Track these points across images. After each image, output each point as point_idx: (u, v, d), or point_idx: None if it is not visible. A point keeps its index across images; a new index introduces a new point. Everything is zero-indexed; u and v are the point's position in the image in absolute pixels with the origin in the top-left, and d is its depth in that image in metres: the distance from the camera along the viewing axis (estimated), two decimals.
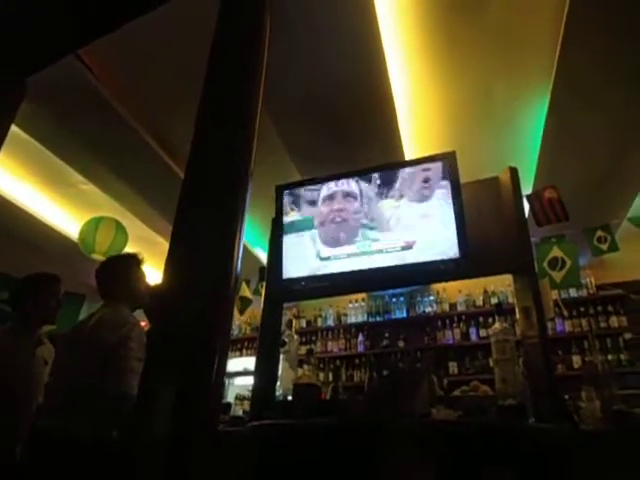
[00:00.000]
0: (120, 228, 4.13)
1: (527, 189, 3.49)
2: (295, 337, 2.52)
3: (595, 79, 2.91)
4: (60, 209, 4.71)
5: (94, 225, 4.03)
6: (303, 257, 2.17)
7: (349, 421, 1.53)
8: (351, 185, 2.19)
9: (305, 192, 2.27)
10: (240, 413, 2.84)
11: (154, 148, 3.60)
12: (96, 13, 1.58)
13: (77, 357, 1.81)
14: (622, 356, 4.61)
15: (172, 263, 0.95)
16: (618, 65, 2.83)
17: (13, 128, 3.28)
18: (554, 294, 4.38)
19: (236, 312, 4.92)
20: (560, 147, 3.53)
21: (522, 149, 3.73)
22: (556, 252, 3.17)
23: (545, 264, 3.12)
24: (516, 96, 3.28)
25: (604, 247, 3.75)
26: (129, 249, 3.60)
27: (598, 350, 4.47)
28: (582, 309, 4.99)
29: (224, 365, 0.88)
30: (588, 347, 4.70)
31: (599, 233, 3.78)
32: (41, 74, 1.95)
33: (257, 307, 2.42)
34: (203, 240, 0.95)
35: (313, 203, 2.22)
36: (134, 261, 2.13)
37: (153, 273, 2.84)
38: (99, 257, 3.85)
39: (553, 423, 1.40)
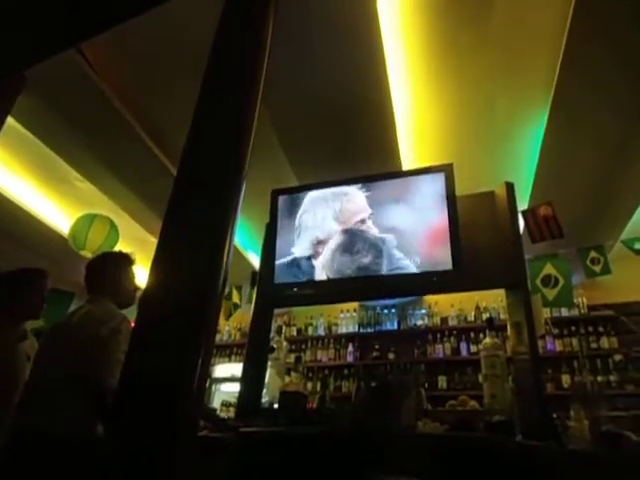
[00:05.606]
0: (113, 227, 4.08)
1: (523, 205, 3.50)
2: (284, 344, 2.49)
3: (594, 99, 2.94)
4: (53, 205, 4.66)
5: (88, 221, 3.97)
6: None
7: (334, 431, 1.51)
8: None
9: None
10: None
11: (152, 147, 3.59)
12: (97, 9, 1.57)
13: (63, 350, 1.77)
14: (611, 377, 4.60)
15: (160, 260, 0.93)
16: (616, 89, 2.86)
17: (12, 121, 3.28)
18: (545, 312, 4.38)
19: (222, 317, 4.87)
20: (557, 165, 3.55)
21: (519, 165, 3.74)
22: (549, 269, 3.17)
23: (538, 281, 3.12)
24: (515, 111, 3.30)
25: (597, 269, 3.74)
26: (119, 248, 3.56)
27: (588, 371, 4.46)
28: (573, 328, 4.98)
29: (207, 365, 0.86)
30: (578, 367, 4.68)
31: (593, 254, 3.77)
32: (40, 67, 1.94)
33: (249, 313, 2.39)
34: (192, 238, 0.94)
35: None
36: (127, 260, 2.12)
37: (143, 273, 2.81)
38: (88, 254, 3.80)
39: (541, 441, 1.39)
